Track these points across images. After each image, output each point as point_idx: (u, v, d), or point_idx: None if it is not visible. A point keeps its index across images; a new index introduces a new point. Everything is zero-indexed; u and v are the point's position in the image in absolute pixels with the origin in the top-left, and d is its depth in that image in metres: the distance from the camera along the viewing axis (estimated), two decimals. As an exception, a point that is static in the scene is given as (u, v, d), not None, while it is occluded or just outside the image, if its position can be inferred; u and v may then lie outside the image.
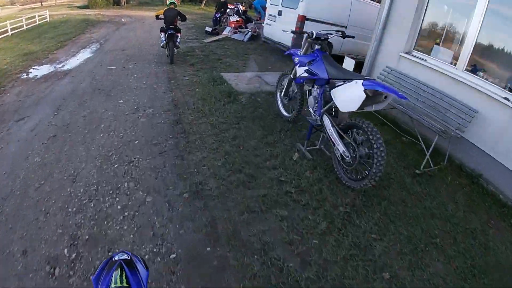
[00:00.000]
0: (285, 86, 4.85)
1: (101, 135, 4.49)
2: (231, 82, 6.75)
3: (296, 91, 4.69)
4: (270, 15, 10.12)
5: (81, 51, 11.25)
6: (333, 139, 3.43)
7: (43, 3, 55.67)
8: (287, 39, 9.23)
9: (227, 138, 4.42)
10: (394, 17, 5.87)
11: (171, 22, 7.54)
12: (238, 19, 14.33)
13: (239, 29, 13.75)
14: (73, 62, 9.40)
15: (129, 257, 0.91)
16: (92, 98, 5.96)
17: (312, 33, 3.94)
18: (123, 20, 19.85)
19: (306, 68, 3.98)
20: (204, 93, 6.10)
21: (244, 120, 5.00)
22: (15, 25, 21.13)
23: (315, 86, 3.94)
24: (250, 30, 13.51)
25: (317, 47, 4.03)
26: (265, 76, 7.51)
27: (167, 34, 7.52)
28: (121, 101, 5.77)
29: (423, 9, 5.43)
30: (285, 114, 5.11)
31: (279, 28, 9.55)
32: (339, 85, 3.36)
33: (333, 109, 3.67)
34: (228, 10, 15.26)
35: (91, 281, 0.86)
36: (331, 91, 3.45)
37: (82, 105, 5.60)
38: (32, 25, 22.34)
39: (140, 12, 25.86)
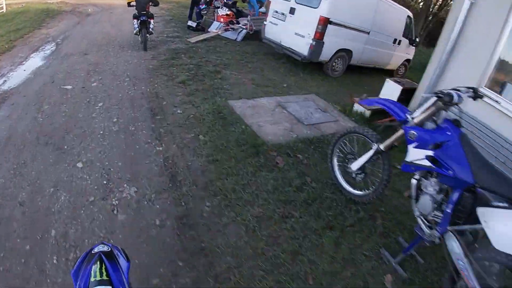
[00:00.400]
0: (362, 160, 2.93)
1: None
2: (249, 120, 4.72)
3: (382, 161, 2.83)
4: (277, 12, 8.05)
5: (32, 55, 8.71)
6: (463, 276, 1.90)
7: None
8: (301, 45, 7.27)
9: (283, 264, 2.48)
10: (465, 40, 4.22)
11: (143, 8, 7.45)
12: (228, 12, 12.07)
13: (231, 26, 11.55)
14: (17, 76, 6.99)
15: (109, 249, 0.86)
16: (35, 156, 3.75)
17: (451, 95, 2.09)
18: (89, 10, 16.87)
19: (429, 153, 2.08)
20: (214, 146, 4.04)
21: (295, 209, 3.09)
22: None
23: (438, 184, 2.11)
24: (244, 27, 11.34)
25: (444, 114, 2.18)
26: (290, 105, 5.52)
27: (139, 20, 7.38)
28: (79, 165, 3.60)
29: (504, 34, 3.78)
30: (353, 191, 3.25)
31: (290, 30, 7.59)
32: (500, 206, 1.80)
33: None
34: (214, 0, 12.93)
35: (71, 276, 0.81)
36: (479, 209, 1.88)
37: (17, 175, 3.41)
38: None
39: (108, 0, 22.62)
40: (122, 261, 0.87)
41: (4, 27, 13.99)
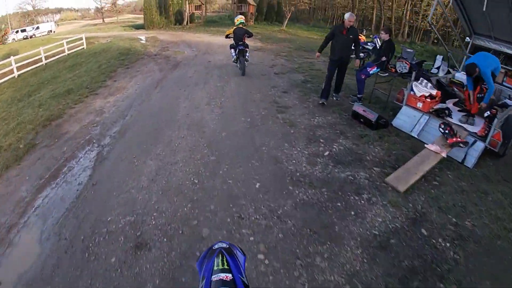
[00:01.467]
0: None
1: None
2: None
3: None
4: None
5: (43, 193, 3.70)
6: None
7: (104, 20, 54.22)
8: None
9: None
10: None
11: (240, 39, 7.78)
12: (432, 91, 5.83)
13: (458, 136, 5.07)
14: None
15: (228, 246, 0.97)
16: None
17: None
18: (178, 57, 12.60)
19: None
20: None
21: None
22: (37, 56, 15.36)
23: None
24: (476, 134, 4.88)
25: None
26: None
27: (237, 49, 7.81)
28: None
29: None
30: None
31: None
32: None
33: None
34: (398, 60, 6.89)
35: (195, 266, 0.96)
36: None
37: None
38: (61, 55, 16.46)
39: (205, 36, 18.94)
40: (239, 255, 0.96)
41: (56, 82, 10.29)
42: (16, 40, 35.30)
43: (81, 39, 18.78)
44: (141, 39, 18.91)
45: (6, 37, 36.63)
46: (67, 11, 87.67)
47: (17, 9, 57.69)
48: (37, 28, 37.11)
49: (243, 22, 7.91)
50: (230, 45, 8.17)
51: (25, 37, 35.73)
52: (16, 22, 59.66)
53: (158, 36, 20.13)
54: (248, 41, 8.37)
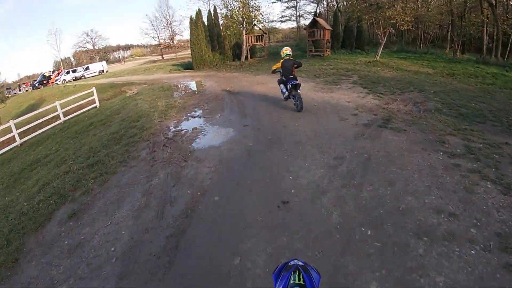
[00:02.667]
0: None
1: None
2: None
3: None
4: None
5: None
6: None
7: (163, 56, 52.30)
8: None
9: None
10: None
11: (290, 72, 7.02)
12: None
13: None
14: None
15: (303, 264, 1.02)
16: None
17: None
18: (198, 156, 4.97)
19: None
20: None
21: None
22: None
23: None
24: None
25: None
26: None
27: (289, 85, 6.93)
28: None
29: None
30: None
31: None
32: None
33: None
34: None
35: (271, 277, 1.01)
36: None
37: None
38: (56, 123, 10.46)
39: (271, 80, 11.53)
40: (315, 274, 0.98)
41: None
42: (66, 81, 32.95)
43: (94, 91, 12.88)
44: (181, 88, 12.49)
45: (57, 78, 34.89)
46: (137, 47, 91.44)
47: (77, 47, 58.11)
48: (87, 68, 34.48)
49: (290, 54, 7.12)
50: (278, 80, 7.30)
51: (74, 78, 33.10)
52: (86, 59, 61.37)
53: (204, 82, 13.58)
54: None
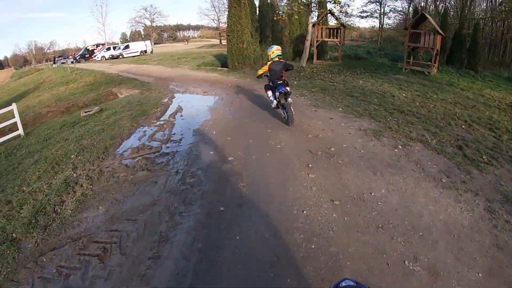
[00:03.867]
0: None
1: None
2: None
3: None
4: None
5: None
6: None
7: (222, 41, 47.05)
8: None
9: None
10: None
11: (279, 77, 5.88)
12: None
13: None
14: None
15: (355, 284, 0.97)
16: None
17: None
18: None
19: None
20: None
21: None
22: None
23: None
24: None
25: None
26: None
27: (277, 92, 5.77)
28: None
29: None
30: None
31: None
32: None
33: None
34: None
35: None
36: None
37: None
38: None
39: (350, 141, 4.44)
40: None
41: None
42: (106, 58, 29.46)
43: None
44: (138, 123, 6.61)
45: (96, 54, 31.70)
46: (206, 29, 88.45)
47: (134, 22, 55.52)
48: (127, 47, 30.49)
49: (280, 54, 6.04)
50: (266, 85, 6.21)
51: (111, 56, 29.37)
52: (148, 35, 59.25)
53: (216, 108, 7.69)
54: None
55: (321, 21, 14.58)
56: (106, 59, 29.37)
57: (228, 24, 12.52)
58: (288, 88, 5.65)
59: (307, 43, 11.80)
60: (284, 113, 5.84)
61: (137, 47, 30.64)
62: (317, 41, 14.35)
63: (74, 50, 56.27)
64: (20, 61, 53.26)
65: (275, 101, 5.90)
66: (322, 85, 8.99)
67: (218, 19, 48.57)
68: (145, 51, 31.06)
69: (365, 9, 31.46)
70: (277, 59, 5.92)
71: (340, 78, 10.02)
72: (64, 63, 35.97)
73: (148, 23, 55.52)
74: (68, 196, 3.74)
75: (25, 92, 17.01)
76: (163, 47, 50.97)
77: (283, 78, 5.86)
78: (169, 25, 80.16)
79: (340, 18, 16.95)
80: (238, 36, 12.43)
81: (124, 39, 73.92)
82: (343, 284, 0.96)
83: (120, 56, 28.97)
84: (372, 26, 39.20)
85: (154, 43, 74.98)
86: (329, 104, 6.85)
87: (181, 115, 6.78)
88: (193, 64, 16.03)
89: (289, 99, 5.63)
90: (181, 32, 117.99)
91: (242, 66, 12.88)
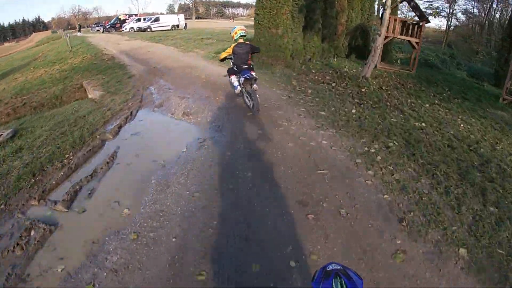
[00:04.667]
0: None
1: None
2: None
3: None
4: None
5: None
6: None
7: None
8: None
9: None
10: None
11: (244, 61, 5.36)
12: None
13: None
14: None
15: (342, 268, 0.98)
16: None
17: None
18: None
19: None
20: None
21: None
22: None
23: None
24: None
25: None
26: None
27: (242, 78, 5.18)
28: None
29: None
30: None
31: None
32: None
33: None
34: None
35: (312, 285, 0.96)
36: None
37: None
38: None
39: None
40: (356, 278, 0.94)
41: None
42: (134, 30, 26.61)
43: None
44: None
45: (124, 25, 28.90)
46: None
47: None
48: (156, 20, 27.20)
49: (244, 35, 5.48)
50: (229, 70, 5.59)
51: (138, 28, 26.39)
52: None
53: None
54: None
55: (394, 9, 9.82)
56: (134, 31, 26.51)
57: (257, 4, 8.37)
58: (254, 74, 5.23)
59: (380, 39, 7.26)
60: (249, 100, 5.33)
61: (168, 20, 27.30)
62: (386, 37, 9.66)
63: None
64: (64, 25, 52.96)
65: (239, 87, 5.36)
66: (402, 127, 4.67)
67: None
68: (177, 26, 27.65)
69: (431, 6, 24.97)
70: (241, 40, 5.43)
71: (426, 111, 5.60)
72: (98, 30, 33.85)
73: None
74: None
75: (10, 70, 14.34)
76: (202, 23, 47.42)
77: (249, 62, 5.47)
78: (218, 0, 75.79)
79: (424, 10, 11.95)
80: (272, 16, 8.24)
81: (171, 11, 71.57)
82: (330, 267, 0.98)
83: (148, 29, 25.83)
84: (439, 26, 32.94)
85: (199, 18, 71.86)
86: (439, 222, 2.67)
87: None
88: (213, 49, 12.14)
89: (255, 85, 5.17)
90: (229, 9, 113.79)
91: (273, 62, 8.74)
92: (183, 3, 72.57)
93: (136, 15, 34.36)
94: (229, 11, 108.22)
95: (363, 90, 6.65)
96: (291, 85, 6.82)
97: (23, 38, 50.34)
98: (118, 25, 30.12)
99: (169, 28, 26.81)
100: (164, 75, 7.89)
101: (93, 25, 39.10)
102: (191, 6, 63.96)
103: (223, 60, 5.61)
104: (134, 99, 5.93)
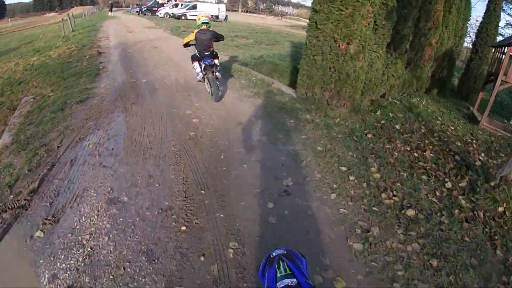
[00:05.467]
0: None
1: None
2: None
3: None
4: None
5: None
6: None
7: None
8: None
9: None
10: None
11: (207, 48, 5.33)
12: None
13: None
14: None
15: (285, 251, 0.98)
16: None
17: None
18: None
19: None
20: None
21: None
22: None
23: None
24: None
25: None
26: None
27: (203, 64, 5.16)
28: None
29: None
30: None
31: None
32: None
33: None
34: None
35: (258, 277, 0.95)
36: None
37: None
38: None
39: None
40: (299, 258, 0.96)
41: None
42: (169, 16, 23.91)
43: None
44: None
45: (159, 9, 26.25)
46: (305, 8, 78.86)
47: None
48: (193, 7, 24.15)
49: (207, 22, 5.42)
50: (192, 56, 5.54)
51: (172, 14, 23.62)
52: None
53: None
54: None
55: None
56: (169, 17, 23.79)
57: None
58: (216, 61, 5.23)
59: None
60: (209, 87, 5.27)
61: (206, 9, 24.15)
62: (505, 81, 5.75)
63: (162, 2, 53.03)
64: (108, 2, 52.12)
65: (200, 74, 5.33)
66: None
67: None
68: (216, 17, 24.49)
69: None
70: (204, 27, 5.34)
71: None
72: (138, 12, 31.74)
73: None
74: None
75: (6, 50, 11.86)
76: (247, 17, 44.18)
77: (211, 49, 5.41)
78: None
79: None
80: (342, 20, 4.52)
81: (220, 1, 68.88)
82: (274, 253, 0.97)
83: (183, 17, 22.90)
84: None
85: (247, 11, 68.38)
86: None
87: None
88: (242, 54, 8.64)
89: (217, 73, 5.20)
90: (279, 6, 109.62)
91: (332, 101, 5.05)
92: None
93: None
94: (278, 8, 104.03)
95: (502, 210, 2.81)
96: (368, 172, 3.17)
97: (67, 10, 50.18)
98: (155, 9, 27.59)
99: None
100: (137, 103, 4.52)
101: (134, 6, 37.26)
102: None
103: (186, 45, 5.52)
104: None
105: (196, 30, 5.27)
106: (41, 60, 7.85)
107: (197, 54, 5.34)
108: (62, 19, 13.40)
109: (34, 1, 74.08)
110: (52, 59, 7.74)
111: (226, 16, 25.46)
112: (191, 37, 5.31)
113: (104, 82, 5.53)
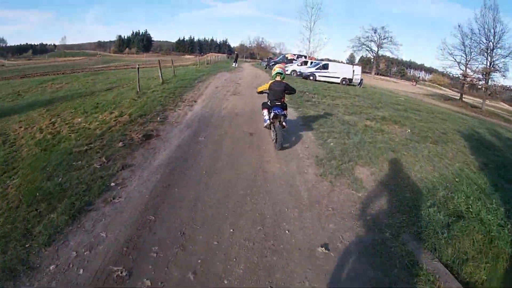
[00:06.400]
0: None
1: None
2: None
3: None
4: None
5: None
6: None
7: (463, 97, 30.43)
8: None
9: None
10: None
11: (278, 97, 5.75)
12: None
13: None
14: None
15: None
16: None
17: None
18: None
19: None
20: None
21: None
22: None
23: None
24: None
25: None
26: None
27: (272, 112, 5.62)
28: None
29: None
30: None
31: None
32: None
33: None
34: None
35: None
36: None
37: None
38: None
39: None
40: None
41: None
42: (297, 74, 22.17)
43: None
44: None
45: (288, 65, 24.76)
46: (439, 74, 69.82)
47: (357, 44, 46.09)
48: (324, 67, 21.45)
49: (281, 73, 5.84)
50: (263, 103, 6.04)
51: (299, 73, 21.58)
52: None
53: None
54: None
55: None
56: (297, 75, 21.92)
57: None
58: (285, 112, 5.58)
59: None
60: (273, 135, 5.71)
61: (338, 70, 21.15)
62: None
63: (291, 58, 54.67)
64: (243, 53, 56.90)
65: (268, 121, 5.77)
66: None
67: (466, 63, 31.97)
68: (350, 80, 21.15)
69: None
70: (278, 78, 5.80)
71: None
72: (265, 66, 31.91)
73: (374, 47, 45.06)
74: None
75: (77, 94, 10.80)
76: (380, 81, 39.60)
77: (283, 100, 5.75)
78: (400, 58, 66.02)
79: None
80: None
81: (351, 62, 67.06)
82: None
83: (311, 77, 20.45)
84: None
85: (379, 74, 63.86)
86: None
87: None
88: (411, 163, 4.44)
89: (284, 123, 5.51)
90: (411, 70, 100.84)
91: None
92: (364, 55, 66.69)
93: (305, 56, 30.41)
94: (410, 72, 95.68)
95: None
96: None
97: (199, 55, 56.81)
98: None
99: (338, 80, 20.65)
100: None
101: (265, 60, 38.26)
102: (372, 60, 57.22)
103: (260, 93, 6.02)
104: None
105: (271, 81, 5.77)
106: (68, 132, 5.60)
107: (268, 103, 5.76)
108: (159, 64, 12.20)
109: (177, 42, 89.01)
110: (76, 134, 5.36)
111: (361, 80, 21.87)
112: (265, 87, 5.84)
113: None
